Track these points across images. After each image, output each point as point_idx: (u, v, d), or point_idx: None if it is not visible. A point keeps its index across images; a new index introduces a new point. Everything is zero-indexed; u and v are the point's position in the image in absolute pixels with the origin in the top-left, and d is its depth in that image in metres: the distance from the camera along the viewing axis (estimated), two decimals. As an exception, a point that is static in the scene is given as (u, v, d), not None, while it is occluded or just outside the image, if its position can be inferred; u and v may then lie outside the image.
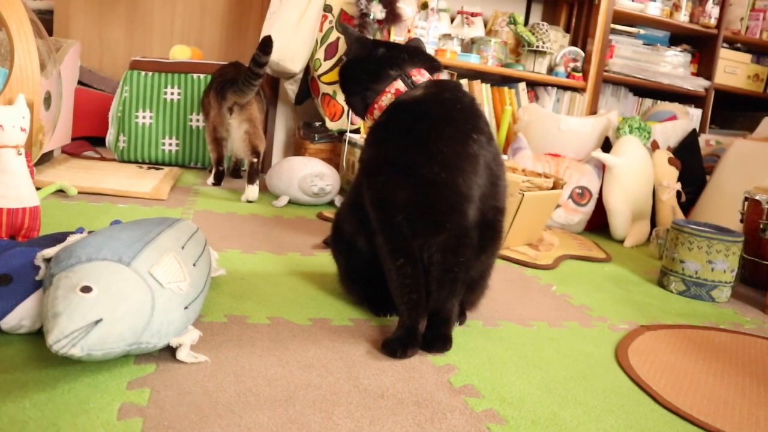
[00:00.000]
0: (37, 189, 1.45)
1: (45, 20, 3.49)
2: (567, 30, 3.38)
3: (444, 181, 1.07)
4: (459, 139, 1.09)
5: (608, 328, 1.39)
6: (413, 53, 1.21)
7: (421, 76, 1.17)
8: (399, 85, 1.16)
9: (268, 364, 0.99)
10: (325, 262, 1.60)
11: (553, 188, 2.04)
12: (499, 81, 3.14)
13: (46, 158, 2.43)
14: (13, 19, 1.36)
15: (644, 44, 3.32)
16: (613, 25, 3.17)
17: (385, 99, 1.16)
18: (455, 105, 1.12)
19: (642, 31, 3.34)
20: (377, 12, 2.40)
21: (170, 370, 0.92)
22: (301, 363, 1.01)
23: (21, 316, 0.95)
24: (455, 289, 1.14)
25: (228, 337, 1.07)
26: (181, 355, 0.95)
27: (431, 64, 1.22)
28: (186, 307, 0.97)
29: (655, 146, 2.64)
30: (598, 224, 2.49)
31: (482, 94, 3.03)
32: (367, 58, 1.20)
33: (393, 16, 2.44)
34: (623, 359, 1.21)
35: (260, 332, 1.11)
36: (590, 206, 2.46)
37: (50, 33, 3.39)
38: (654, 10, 3.24)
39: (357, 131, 2.62)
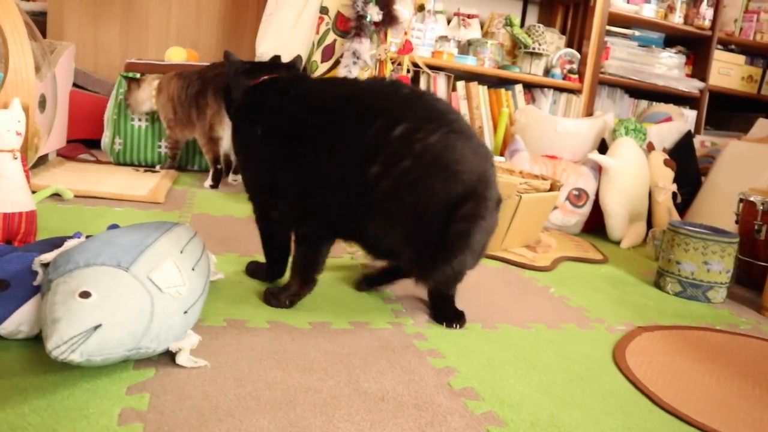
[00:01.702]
0: (33, 193, 1.44)
1: (38, 22, 3.47)
2: (563, 32, 3.40)
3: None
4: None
5: (606, 330, 1.40)
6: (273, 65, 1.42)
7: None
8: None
9: (267, 367, 0.99)
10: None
11: (551, 190, 2.05)
12: (495, 83, 3.14)
13: (41, 161, 2.42)
14: (7, 21, 1.35)
15: (639, 46, 3.33)
16: (608, 27, 3.18)
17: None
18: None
19: (637, 33, 3.35)
20: (374, 14, 2.41)
21: (170, 375, 0.92)
22: (300, 367, 1.01)
23: (19, 321, 0.95)
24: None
25: (227, 341, 1.07)
26: (180, 359, 0.95)
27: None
28: (185, 312, 0.97)
29: (650, 148, 2.65)
30: (595, 226, 2.50)
31: (479, 96, 3.03)
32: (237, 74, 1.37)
33: (390, 19, 2.44)
34: (621, 361, 1.21)
35: (260, 336, 1.11)
36: (587, 208, 2.46)
37: (44, 35, 3.38)
38: (649, 12, 3.25)
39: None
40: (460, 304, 1.33)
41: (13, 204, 1.29)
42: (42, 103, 1.80)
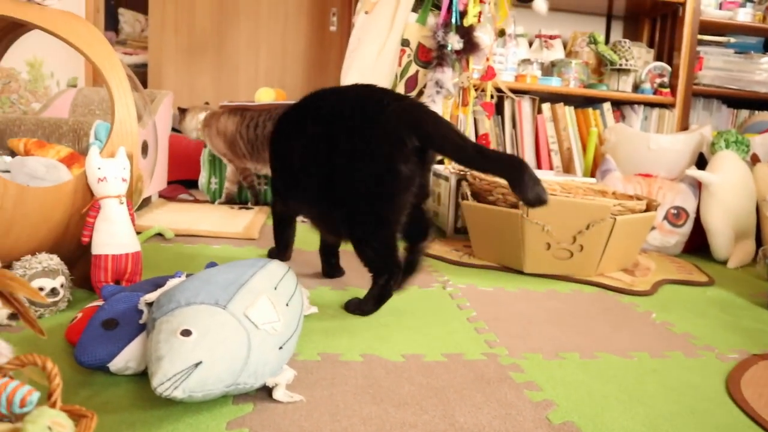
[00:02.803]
0: (138, 233, 1.53)
1: (140, 73, 3.72)
2: (651, 45, 3.28)
3: None
4: None
5: (716, 358, 1.31)
6: None
7: None
8: None
9: (362, 402, 0.99)
10: (415, 296, 1.59)
11: (647, 210, 1.96)
12: (582, 102, 3.07)
13: (145, 203, 2.57)
14: (112, 77, 1.45)
15: (736, 53, 3.17)
16: (700, 36, 3.04)
17: None
18: None
19: (732, 40, 3.19)
20: (455, 43, 2.41)
21: (267, 410, 0.94)
22: (395, 401, 1.00)
23: (127, 358, 1.00)
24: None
25: (322, 376, 1.08)
26: (277, 394, 0.97)
27: None
28: (280, 347, 0.99)
29: (755, 159, 2.50)
30: (697, 245, 2.37)
31: (566, 117, 2.97)
32: None
33: (471, 46, 2.44)
34: (735, 392, 1.13)
35: (353, 370, 1.11)
36: (687, 227, 2.34)
37: (145, 84, 3.61)
38: (744, 17, 3.09)
39: (441, 162, 2.62)
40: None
41: (121, 246, 1.37)
42: (144, 150, 1.91)
